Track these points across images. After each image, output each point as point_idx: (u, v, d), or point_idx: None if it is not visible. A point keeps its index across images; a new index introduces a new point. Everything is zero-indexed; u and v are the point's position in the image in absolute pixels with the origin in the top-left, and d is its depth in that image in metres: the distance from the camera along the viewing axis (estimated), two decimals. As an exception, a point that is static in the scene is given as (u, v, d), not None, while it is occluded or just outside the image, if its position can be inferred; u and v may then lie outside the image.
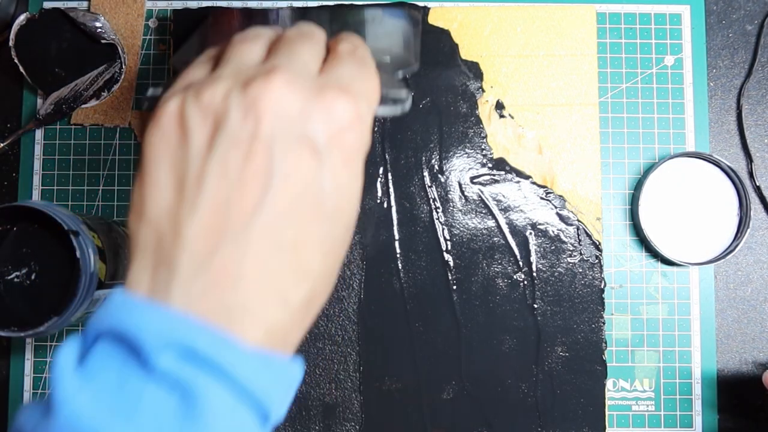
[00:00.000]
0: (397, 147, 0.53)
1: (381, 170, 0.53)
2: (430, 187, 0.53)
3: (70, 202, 0.55)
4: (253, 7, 0.55)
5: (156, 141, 0.27)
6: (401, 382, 0.52)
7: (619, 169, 0.55)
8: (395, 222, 0.53)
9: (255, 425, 0.24)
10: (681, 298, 0.54)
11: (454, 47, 0.54)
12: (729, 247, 0.53)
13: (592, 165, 0.53)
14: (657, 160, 0.54)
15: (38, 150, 0.56)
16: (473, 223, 0.53)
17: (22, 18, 0.54)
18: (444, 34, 0.54)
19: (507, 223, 0.53)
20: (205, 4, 0.57)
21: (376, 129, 0.53)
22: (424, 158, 0.53)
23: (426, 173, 0.53)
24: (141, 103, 0.52)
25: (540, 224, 0.53)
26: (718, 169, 0.54)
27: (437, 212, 0.53)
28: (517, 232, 0.53)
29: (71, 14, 0.54)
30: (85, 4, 0.57)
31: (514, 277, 0.52)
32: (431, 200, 0.53)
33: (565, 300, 0.52)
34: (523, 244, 0.52)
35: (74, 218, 0.44)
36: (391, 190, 0.53)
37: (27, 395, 0.54)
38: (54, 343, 0.54)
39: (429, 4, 0.55)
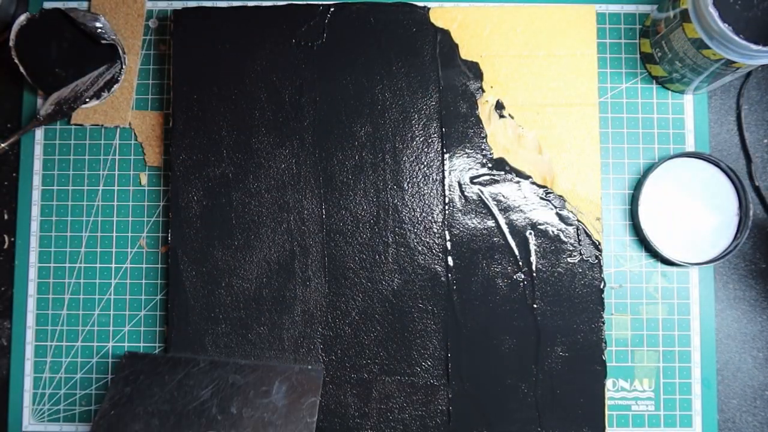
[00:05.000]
0: (398, 149, 0.53)
1: (382, 172, 0.53)
2: (430, 187, 0.53)
3: (70, 202, 0.55)
4: (250, 5, 0.55)
5: None
6: (401, 380, 0.52)
7: (619, 169, 0.55)
8: (395, 223, 0.53)
9: None
10: (681, 298, 0.54)
11: (454, 47, 0.54)
12: (729, 247, 0.53)
13: (592, 165, 0.53)
14: (657, 160, 0.54)
15: (38, 150, 0.56)
16: (473, 223, 0.53)
17: (22, 18, 0.54)
18: (444, 34, 0.54)
19: (507, 223, 0.53)
20: (205, 4, 0.57)
21: (381, 132, 0.53)
22: (424, 159, 0.53)
23: (426, 174, 0.53)
24: None
25: (540, 224, 0.53)
26: (718, 169, 0.54)
27: (437, 213, 0.53)
28: (517, 232, 0.53)
29: (71, 14, 0.54)
30: (85, 5, 0.57)
31: (514, 277, 0.52)
32: (432, 201, 0.53)
33: (565, 300, 0.52)
34: (523, 244, 0.52)
35: None
36: (392, 191, 0.53)
37: (27, 395, 0.54)
38: (54, 343, 0.54)
39: (429, 4, 0.55)
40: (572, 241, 0.52)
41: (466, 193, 0.53)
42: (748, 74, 0.55)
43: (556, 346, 0.52)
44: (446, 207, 0.53)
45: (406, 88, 0.54)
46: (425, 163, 0.53)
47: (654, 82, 0.55)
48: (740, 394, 0.53)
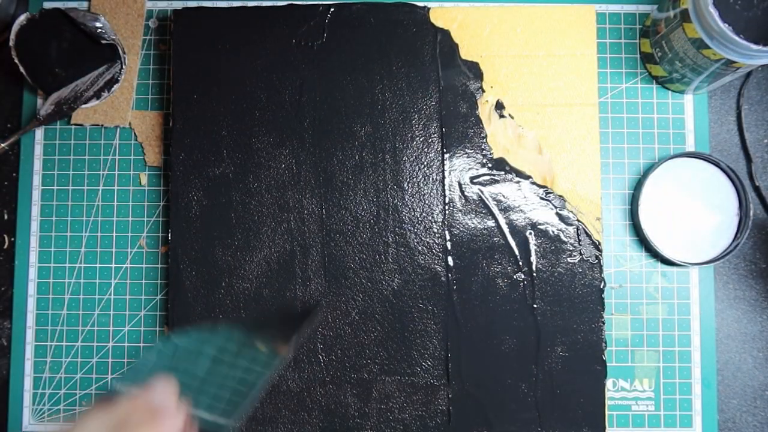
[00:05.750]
0: (398, 149, 0.53)
1: (382, 172, 0.53)
2: (430, 187, 0.53)
3: (70, 202, 0.55)
4: (250, 6, 0.55)
5: None
6: (401, 380, 0.52)
7: (619, 169, 0.55)
8: (395, 223, 0.53)
9: None
10: (681, 298, 0.54)
11: (454, 47, 0.54)
12: (729, 247, 0.53)
13: (592, 165, 0.53)
14: (657, 160, 0.54)
15: (38, 150, 0.56)
16: (473, 223, 0.53)
17: (22, 18, 0.54)
18: (444, 34, 0.54)
19: (507, 223, 0.53)
20: (205, 4, 0.57)
21: (381, 132, 0.53)
22: (424, 159, 0.53)
23: (426, 174, 0.53)
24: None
25: (540, 224, 0.53)
26: (718, 169, 0.54)
27: (437, 213, 0.53)
28: (517, 232, 0.53)
29: (71, 14, 0.54)
30: (85, 5, 0.57)
31: (514, 277, 0.52)
32: (432, 201, 0.53)
33: (565, 300, 0.52)
34: (523, 244, 0.52)
35: None
36: (392, 191, 0.53)
37: (27, 395, 0.54)
38: (54, 343, 0.54)
39: (429, 4, 0.55)
40: (572, 241, 0.52)
41: (466, 193, 0.53)
42: (748, 74, 0.55)
43: (556, 346, 0.51)
44: (446, 207, 0.53)
45: (406, 88, 0.54)
46: (425, 163, 0.53)
47: (654, 82, 0.55)
48: (740, 394, 0.53)
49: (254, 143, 0.53)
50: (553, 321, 0.52)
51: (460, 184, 0.53)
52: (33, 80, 0.55)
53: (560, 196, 0.53)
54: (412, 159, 0.53)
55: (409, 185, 0.53)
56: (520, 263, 0.52)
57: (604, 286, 0.52)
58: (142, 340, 0.54)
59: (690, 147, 0.55)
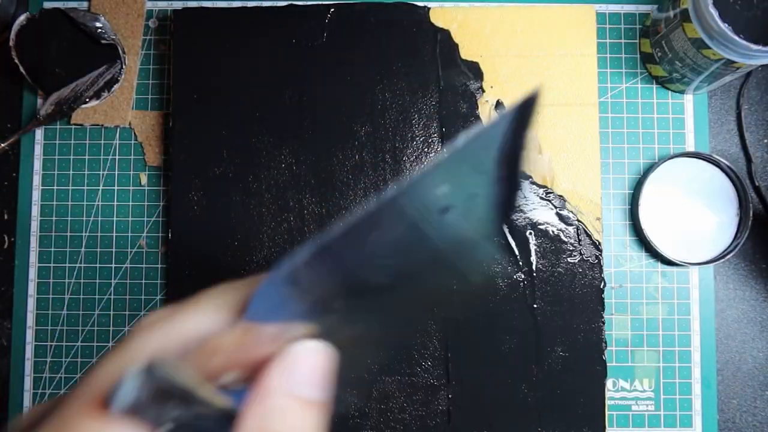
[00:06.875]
0: (398, 149, 0.53)
1: (382, 172, 0.53)
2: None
3: (70, 202, 0.55)
4: (250, 6, 0.55)
5: None
6: (401, 380, 0.52)
7: (619, 169, 0.55)
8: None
9: None
10: (681, 298, 0.54)
11: (454, 47, 0.54)
12: (729, 247, 0.53)
13: (592, 165, 0.53)
14: (657, 160, 0.54)
15: (38, 150, 0.56)
16: (473, 223, 0.53)
17: (22, 18, 0.54)
18: (444, 34, 0.54)
19: (507, 223, 0.53)
20: (205, 4, 0.57)
21: (381, 132, 0.53)
22: (424, 159, 0.53)
23: (426, 173, 0.53)
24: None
25: (540, 224, 0.53)
26: (718, 169, 0.54)
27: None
28: (517, 232, 0.53)
29: (71, 14, 0.54)
30: (85, 5, 0.57)
31: (514, 277, 0.52)
32: (431, 200, 0.53)
33: (565, 300, 0.52)
34: (523, 244, 0.52)
35: None
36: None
37: (27, 395, 0.54)
38: (54, 343, 0.54)
39: (429, 4, 0.55)
40: (572, 241, 0.52)
41: (466, 193, 0.53)
42: (748, 74, 0.55)
43: (556, 346, 0.51)
44: (446, 207, 0.53)
45: (406, 88, 0.54)
46: (425, 163, 0.53)
47: (654, 82, 0.55)
48: (740, 394, 0.53)
49: (254, 143, 0.53)
50: (553, 321, 0.52)
51: (460, 184, 0.53)
52: (33, 80, 0.55)
53: (560, 196, 0.53)
54: (412, 159, 0.53)
55: (409, 185, 0.53)
56: (520, 263, 0.52)
57: (604, 286, 0.52)
58: (142, 340, 0.54)
59: (690, 147, 0.55)
